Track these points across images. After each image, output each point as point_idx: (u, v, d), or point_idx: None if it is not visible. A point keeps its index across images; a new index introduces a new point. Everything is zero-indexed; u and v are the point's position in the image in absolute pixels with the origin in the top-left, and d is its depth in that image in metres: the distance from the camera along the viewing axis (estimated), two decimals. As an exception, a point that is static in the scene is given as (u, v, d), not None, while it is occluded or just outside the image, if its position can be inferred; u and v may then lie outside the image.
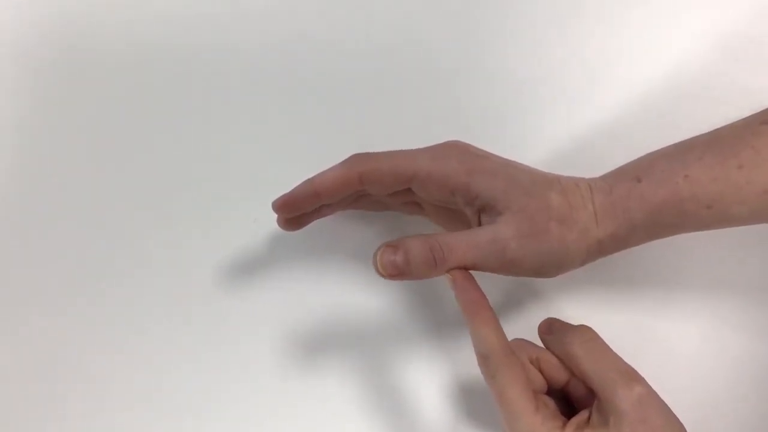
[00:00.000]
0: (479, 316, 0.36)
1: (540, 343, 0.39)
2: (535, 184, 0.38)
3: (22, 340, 0.45)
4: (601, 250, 0.38)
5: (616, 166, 0.40)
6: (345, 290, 0.46)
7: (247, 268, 0.46)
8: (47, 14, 0.50)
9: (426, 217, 0.44)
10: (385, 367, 0.45)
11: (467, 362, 0.44)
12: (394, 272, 0.36)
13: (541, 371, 0.38)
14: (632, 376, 0.35)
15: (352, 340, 0.45)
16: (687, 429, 0.35)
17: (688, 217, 0.38)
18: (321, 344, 0.45)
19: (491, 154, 0.39)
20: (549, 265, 0.37)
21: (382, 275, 0.36)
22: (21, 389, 0.44)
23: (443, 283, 0.45)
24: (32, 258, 0.46)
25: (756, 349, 0.45)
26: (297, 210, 0.40)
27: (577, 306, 0.45)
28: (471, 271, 0.37)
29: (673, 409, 0.35)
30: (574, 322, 0.39)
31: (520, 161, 0.40)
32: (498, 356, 0.35)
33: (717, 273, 0.46)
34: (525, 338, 0.39)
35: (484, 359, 0.35)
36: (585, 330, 0.38)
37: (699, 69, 0.49)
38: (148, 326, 0.45)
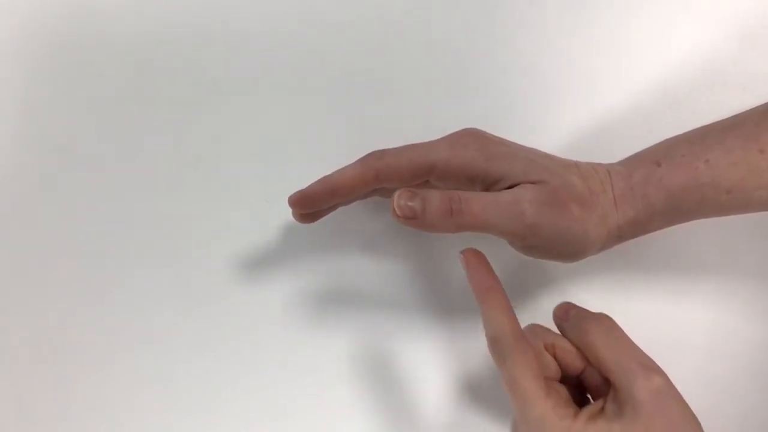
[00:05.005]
0: (491, 298, 0.35)
1: (555, 328, 0.39)
2: (555, 166, 0.37)
3: (33, 327, 0.45)
4: (620, 236, 0.38)
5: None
6: (356, 279, 0.45)
7: (258, 256, 0.46)
8: (50, 3, 0.50)
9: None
10: (394, 357, 0.45)
11: (478, 352, 0.44)
12: (410, 215, 0.35)
13: (556, 358, 0.37)
14: (651, 367, 0.34)
15: (362, 328, 0.45)
16: (700, 417, 0.34)
17: (707, 202, 0.37)
18: (330, 333, 0.45)
19: (507, 140, 0.39)
20: (568, 246, 0.37)
21: (397, 216, 0.35)
22: (33, 376, 0.44)
23: (453, 276, 0.45)
24: (43, 246, 0.46)
25: (770, 338, 0.45)
26: (313, 207, 0.40)
27: (590, 293, 0.45)
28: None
29: (685, 397, 0.34)
30: (587, 308, 0.39)
31: (534, 149, 0.40)
32: (508, 340, 0.34)
33: (731, 260, 0.46)
34: (540, 323, 0.39)
35: (494, 343, 0.35)
36: (603, 318, 0.37)
37: (716, 55, 0.48)
38: (158, 313, 0.45)
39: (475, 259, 0.36)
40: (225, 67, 0.49)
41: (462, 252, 0.36)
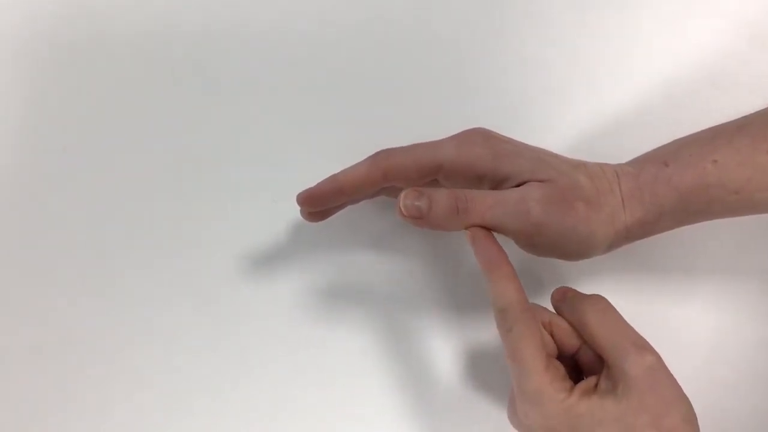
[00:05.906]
0: (499, 270, 0.35)
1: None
2: (562, 165, 0.37)
3: (35, 327, 0.45)
4: (627, 237, 0.38)
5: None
6: (363, 277, 0.45)
7: (265, 255, 0.46)
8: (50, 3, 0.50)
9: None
10: (401, 355, 0.45)
11: (486, 350, 0.44)
12: (416, 214, 0.35)
13: (552, 336, 0.37)
14: (644, 346, 0.35)
15: (369, 327, 0.45)
16: (702, 417, 0.34)
17: (715, 202, 0.37)
18: (337, 332, 0.45)
19: (514, 139, 0.39)
20: (573, 245, 0.37)
21: (403, 216, 0.35)
22: (34, 376, 0.44)
23: (460, 274, 0.45)
24: (44, 246, 0.46)
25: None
26: (321, 205, 0.40)
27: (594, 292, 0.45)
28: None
29: (688, 397, 0.34)
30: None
31: (539, 149, 0.40)
32: (516, 311, 0.34)
33: (735, 261, 0.46)
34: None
35: (501, 313, 0.35)
36: (599, 299, 0.37)
37: (724, 57, 0.48)
38: (163, 312, 0.45)
39: (482, 234, 0.36)
40: (227, 66, 0.49)
41: (468, 228, 0.36)
